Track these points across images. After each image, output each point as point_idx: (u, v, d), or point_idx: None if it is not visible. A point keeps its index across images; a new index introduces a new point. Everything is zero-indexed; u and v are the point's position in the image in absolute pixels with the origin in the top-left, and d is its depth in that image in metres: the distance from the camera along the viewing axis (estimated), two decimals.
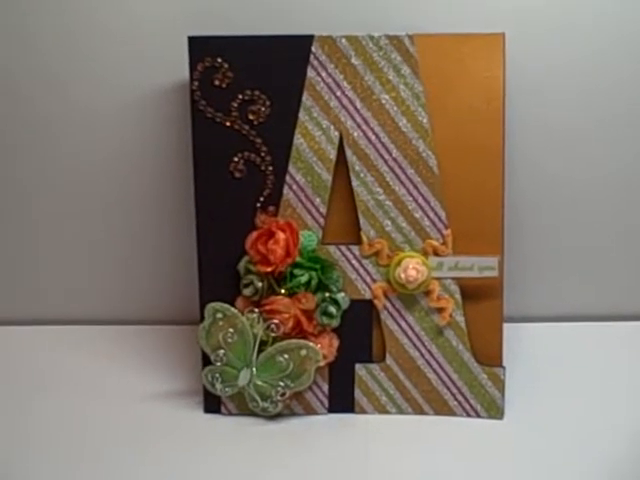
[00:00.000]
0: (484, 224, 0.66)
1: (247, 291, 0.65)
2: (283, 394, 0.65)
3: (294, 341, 0.64)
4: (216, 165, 0.65)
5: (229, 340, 0.65)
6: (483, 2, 0.72)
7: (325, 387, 0.68)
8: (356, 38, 0.64)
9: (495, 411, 0.67)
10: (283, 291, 0.65)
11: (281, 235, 0.64)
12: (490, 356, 0.67)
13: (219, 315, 0.65)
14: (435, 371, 0.67)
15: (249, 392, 0.65)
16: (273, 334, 0.64)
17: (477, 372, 0.67)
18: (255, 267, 0.64)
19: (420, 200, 0.66)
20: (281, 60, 0.64)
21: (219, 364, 0.65)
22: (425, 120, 0.65)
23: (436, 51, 0.64)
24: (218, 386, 0.66)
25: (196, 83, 0.65)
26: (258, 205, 0.66)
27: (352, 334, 0.67)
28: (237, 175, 0.66)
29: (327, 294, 0.65)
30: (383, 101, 0.65)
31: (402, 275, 0.65)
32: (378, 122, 0.65)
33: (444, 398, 0.68)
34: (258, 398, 0.65)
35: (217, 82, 0.65)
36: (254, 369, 0.65)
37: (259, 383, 0.65)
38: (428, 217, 0.66)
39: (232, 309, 0.65)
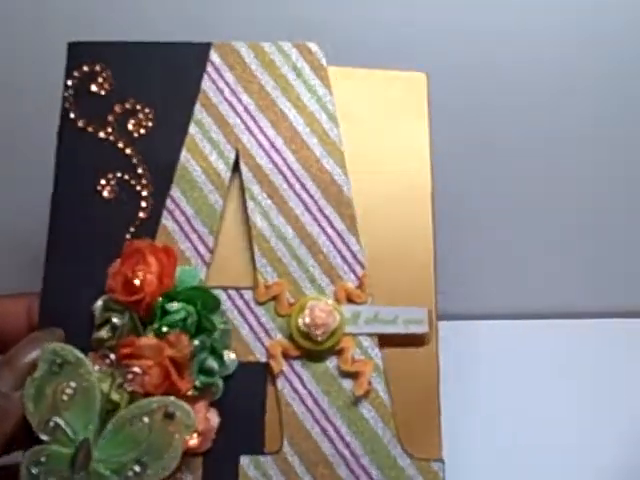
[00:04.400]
0: (411, 266, 0.52)
1: (101, 333, 0.49)
2: None
3: (156, 399, 0.46)
4: (81, 182, 0.53)
5: (65, 400, 0.47)
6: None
7: None
8: (259, 45, 0.55)
9: None
10: (150, 335, 0.48)
11: (154, 259, 0.49)
12: (424, 444, 0.50)
13: (56, 362, 0.47)
14: (348, 465, 0.49)
15: None
16: (130, 388, 0.47)
17: (404, 464, 0.49)
18: (115, 299, 0.49)
19: (330, 232, 0.52)
20: (173, 68, 0.55)
21: (48, 441, 0.46)
22: (337, 138, 0.54)
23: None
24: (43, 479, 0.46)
25: (70, 91, 0.54)
26: (128, 235, 0.52)
27: (238, 411, 0.50)
28: (106, 195, 0.53)
29: (208, 341, 0.49)
30: (289, 116, 0.54)
31: (307, 320, 0.49)
32: (282, 139, 0.54)
33: None
34: None
35: (94, 88, 0.54)
36: (95, 448, 0.46)
37: (101, 471, 0.46)
38: (340, 254, 0.52)
39: (76, 352, 0.47)
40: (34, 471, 0.46)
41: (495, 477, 0.64)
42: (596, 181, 0.76)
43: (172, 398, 0.46)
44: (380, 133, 0.55)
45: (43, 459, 0.46)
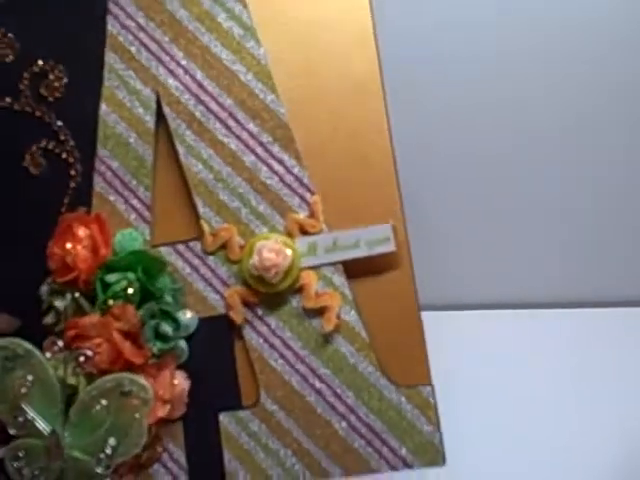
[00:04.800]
0: (370, 179, 0.47)
1: (47, 319, 0.47)
2: (107, 466, 0.44)
3: (110, 377, 0.44)
4: (5, 163, 0.50)
5: (26, 393, 0.45)
6: None
7: (180, 456, 0.46)
8: None
9: (431, 454, 0.45)
10: (96, 312, 0.46)
11: (83, 231, 0.46)
12: (410, 371, 0.46)
13: (8, 357, 0.45)
14: (331, 404, 0.46)
15: (68, 473, 0.45)
16: (83, 371, 0.45)
17: (390, 394, 0.45)
18: (55, 281, 0.46)
19: (270, 162, 0.47)
20: (74, 16, 0.50)
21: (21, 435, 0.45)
22: (262, 57, 0.48)
23: None
24: (27, 473, 0.45)
25: None
26: (63, 208, 0.49)
27: (208, 370, 0.47)
28: (33, 171, 0.50)
29: (157, 306, 0.46)
30: (206, 41, 0.49)
31: (256, 263, 0.45)
32: (203, 71, 0.49)
33: (352, 446, 0.45)
34: None
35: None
36: (65, 434, 0.44)
37: (77, 455, 0.44)
38: (284, 183, 0.47)
39: (24, 344, 0.45)
40: (16, 465, 0.45)
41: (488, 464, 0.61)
42: (584, 169, 0.71)
43: (125, 375, 0.44)
44: (317, 35, 0.49)
45: (21, 454, 0.45)
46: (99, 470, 0.44)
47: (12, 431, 0.45)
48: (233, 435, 0.46)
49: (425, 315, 0.45)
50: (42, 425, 0.44)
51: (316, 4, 0.49)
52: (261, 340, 0.46)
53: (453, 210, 0.71)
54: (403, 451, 0.45)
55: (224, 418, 0.46)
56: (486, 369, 0.64)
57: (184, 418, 0.47)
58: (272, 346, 0.46)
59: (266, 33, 0.48)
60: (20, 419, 0.45)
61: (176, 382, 0.46)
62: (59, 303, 0.46)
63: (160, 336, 0.46)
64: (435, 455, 0.44)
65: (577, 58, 0.68)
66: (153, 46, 0.49)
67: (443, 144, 0.70)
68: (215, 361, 0.47)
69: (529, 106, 0.69)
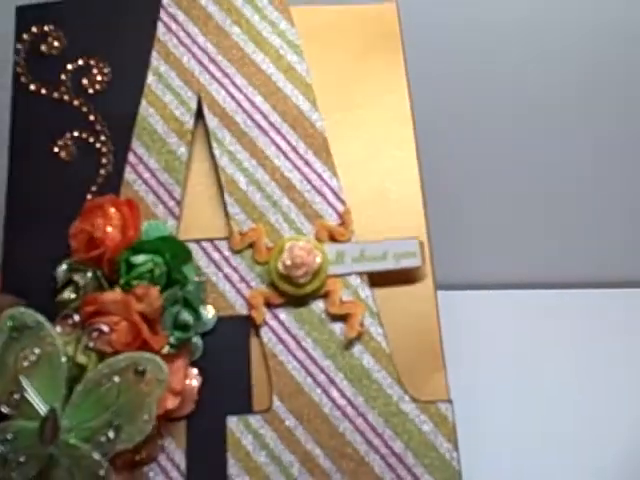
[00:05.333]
0: (397, 196, 0.48)
1: (65, 294, 0.45)
2: (105, 453, 0.41)
3: (124, 355, 0.42)
4: (38, 147, 0.50)
5: (28, 367, 0.42)
6: None
7: (180, 459, 0.44)
8: None
9: (448, 474, 0.43)
10: (117, 290, 0.44)
11: (115, 211, 0.46)
12: (428, 386, 0.45)
13: (15, 326, 0.43)
14: (346, 416, 0.44)
15: (60, 460, 0.42)
16: (95, 346, 0.42)
17: (408, 410, 0.44)
18: (77, 259, 0.45)
19: (305, 170, 0.48)
20: (124, 19, 0.52)
21: (13, 416, 0.42)
22: (305, 72, 0.50)
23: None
24: (12, 459, 0.42)
25: (21, 54, 0.51)
26: (90, 196, 0.48)
27: (221, 370, 0.45)
28: (65, 157, 0.49)
29: (180, 293, 0.45)
30: (250, 53, 0.51)
31: (286, 261, 0.45)
32: (246, 79, 0.50)
33: (366, 462, 0.44)
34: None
35: (45, 49, 0.51)
36: (63, 416, 0.42)
37: (72, 442, 0.41)
38: (318, 192, 0.48)
39: (36, 315, 0.43)
40: (1, 450, 0.42)
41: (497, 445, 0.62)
42: (593, 150, 0.72)
43: (142, 353, 0.42)
44: (354, 70, 0.51)
45: (9, 436, 0.42)
46: (96, 456, 0.41)
47: (5, 409, 0.42)
48: (240, 440, 0.44)
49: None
50: (39, 404, 0.42)
51: None
52: (279, 343, 0.45)
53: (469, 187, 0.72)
54: (419, 470, 0.43)
55: (232, 421, 0.44)
56: (496, 349, 0.65)
57: (189, 418, 0.44)
58: (290, 350, 0.45)
59: None
60: (16, 396, 0.42)
61: (188, 377, 0.44)
62: (80, 278, 0.44)
63: (179, 326, 0.44)
64: (452, 475, 0.43)
65: (578, 32, 0.69)
66: (198, 52, 0.51)
67: (451, 126, 0.71)
68: (229, 362, 0.45)
69: (529, 87, 0.69)
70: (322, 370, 0.45)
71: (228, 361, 0.45)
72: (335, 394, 0.44)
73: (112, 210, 0.45)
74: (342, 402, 0.44)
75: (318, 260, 0.45)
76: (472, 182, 0.72)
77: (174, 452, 0.44)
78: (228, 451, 0.44)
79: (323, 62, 0.51)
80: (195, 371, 0.45)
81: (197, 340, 0.45)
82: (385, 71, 0.51)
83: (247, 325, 0.46)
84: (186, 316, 0.44)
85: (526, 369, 0.66)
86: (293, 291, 0.45)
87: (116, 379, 0.41)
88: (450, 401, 0.44)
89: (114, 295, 0.43)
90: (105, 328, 0.42)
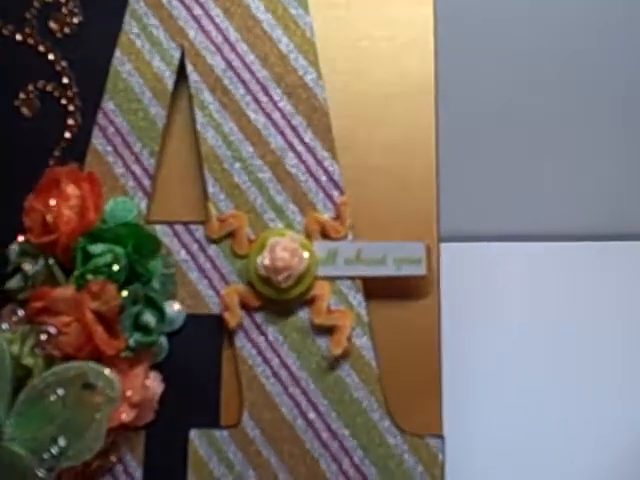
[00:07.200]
0: (407, 187, 0.41)
1: (12, 283, 0.40)
2: (51, 469, 0.37)
3: (73, 364, 0.37)
4: None
5: None
6: None
7: (137, 472, 0.39)
8: None
9: None
10: (70, 285, 0.39)
11: (72, 189, 0.39)
12: (419, 417, 0.39)
13: None
14: (322, 441, 0.39)
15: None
16: (42, 352, 0.38)
17: (393, 441, 0.38)
18: (30, 241, 0.39)
19: (300, 148, 0.41)
20: None
21: None
22: (308, 27, 0.42)
23: None
24: None
25: None
26: (52, 161, 0.42)
27: (187, 376, 0.40)
28: (26, 113, 0.43)
29: (142, 290, 0.39)
30: (249, 1, 0.42)
31: (266, 262, 0.39)
32: (238, 32, 0.42)
33: None
34: None
35: None
36: (7, 423, 0.37)
37: (15, 449, 0.37)
38: (312, 176, 0.41)
39: None
40: None
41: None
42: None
43: (92, 364, 0.37)
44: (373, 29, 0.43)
45: None
46: (40, 473, 0.36)
47: None
48: (202, 457, 0.39)
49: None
50: None
51: None
52: (254, 351, 0.40)
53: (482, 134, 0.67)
54: None
55: (195, 436, 0.39)
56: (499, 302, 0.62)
57: (149, 427, 0.40)
58: (266, 361, 0.40)
59: None
60: None
61: (148, 384, 0.39)
62: (28, 267, 0.39)
63: (140, 327, 0.39)
64: None
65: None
66: (190, 2, 0.42)
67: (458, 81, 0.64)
68: (197, 368, 0.40)
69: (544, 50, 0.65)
70: (299, 386, 0.39)
71: (196, 366, 0.40)
72: (312, 415, 0.39)
73: (70, 188, 0.39)
74: (320, 426, 0.39)
75: (304, 262, 0.39)
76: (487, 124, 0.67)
77: (130, 463, 0.39)
78: (189, 468, 0.39)
79: None
80: (157, 376, 0.40)
81: (162, 340, 0.40)
82: None
83: (220, 326, 0.40)
84: (148, 317, 0.39)
85: (541, 323, 0.61)
86: (273, 295, 0.39)
87: (60, 391, 0.36)
88: (441, 436, 0.38)
89: (65, 291, 0.38)
90: (52, 330, 0.37)
